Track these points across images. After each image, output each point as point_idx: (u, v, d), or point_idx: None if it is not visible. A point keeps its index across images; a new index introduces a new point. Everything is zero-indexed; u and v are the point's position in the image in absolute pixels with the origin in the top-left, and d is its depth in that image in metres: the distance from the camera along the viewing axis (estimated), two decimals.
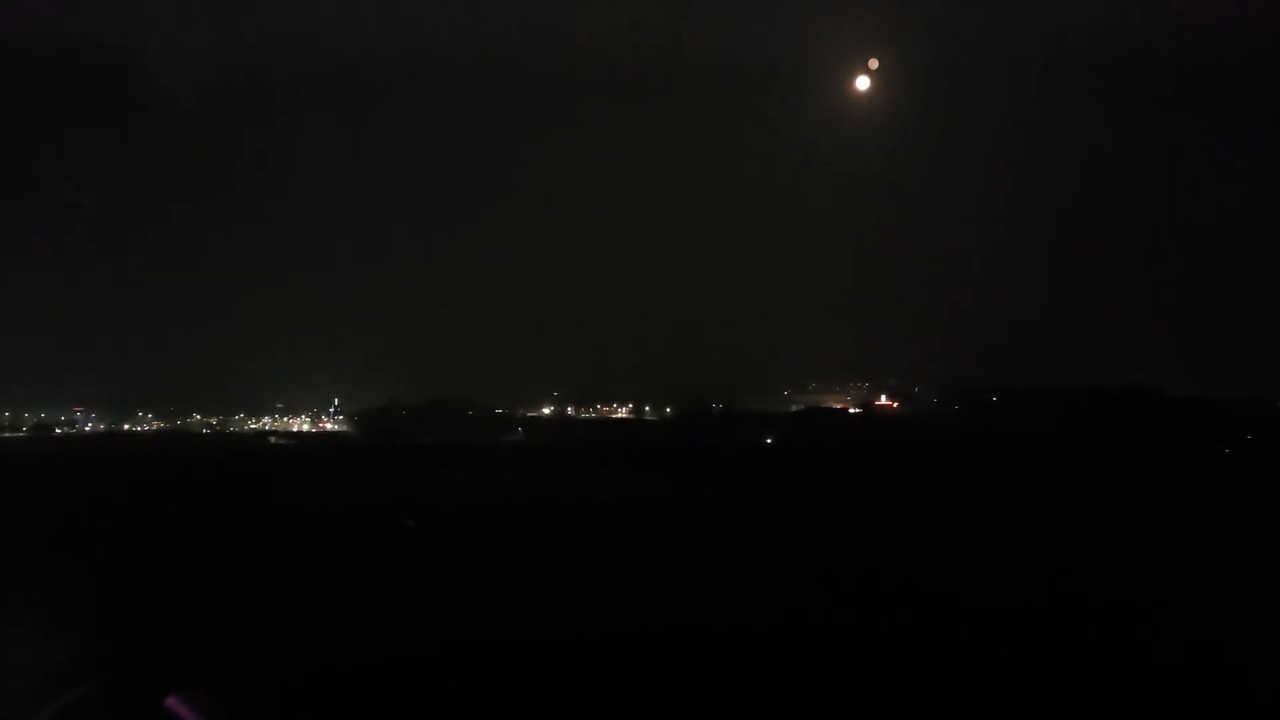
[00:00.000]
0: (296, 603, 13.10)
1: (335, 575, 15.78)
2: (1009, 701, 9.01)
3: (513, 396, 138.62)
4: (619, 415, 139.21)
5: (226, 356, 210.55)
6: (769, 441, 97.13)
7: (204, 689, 3.78)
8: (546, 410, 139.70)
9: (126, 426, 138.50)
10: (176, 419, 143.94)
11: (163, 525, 23.51)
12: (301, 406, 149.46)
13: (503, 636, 11.20)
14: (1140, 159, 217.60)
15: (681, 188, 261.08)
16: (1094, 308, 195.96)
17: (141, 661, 8.18)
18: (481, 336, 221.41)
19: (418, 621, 12.23)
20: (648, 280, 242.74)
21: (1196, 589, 14.42)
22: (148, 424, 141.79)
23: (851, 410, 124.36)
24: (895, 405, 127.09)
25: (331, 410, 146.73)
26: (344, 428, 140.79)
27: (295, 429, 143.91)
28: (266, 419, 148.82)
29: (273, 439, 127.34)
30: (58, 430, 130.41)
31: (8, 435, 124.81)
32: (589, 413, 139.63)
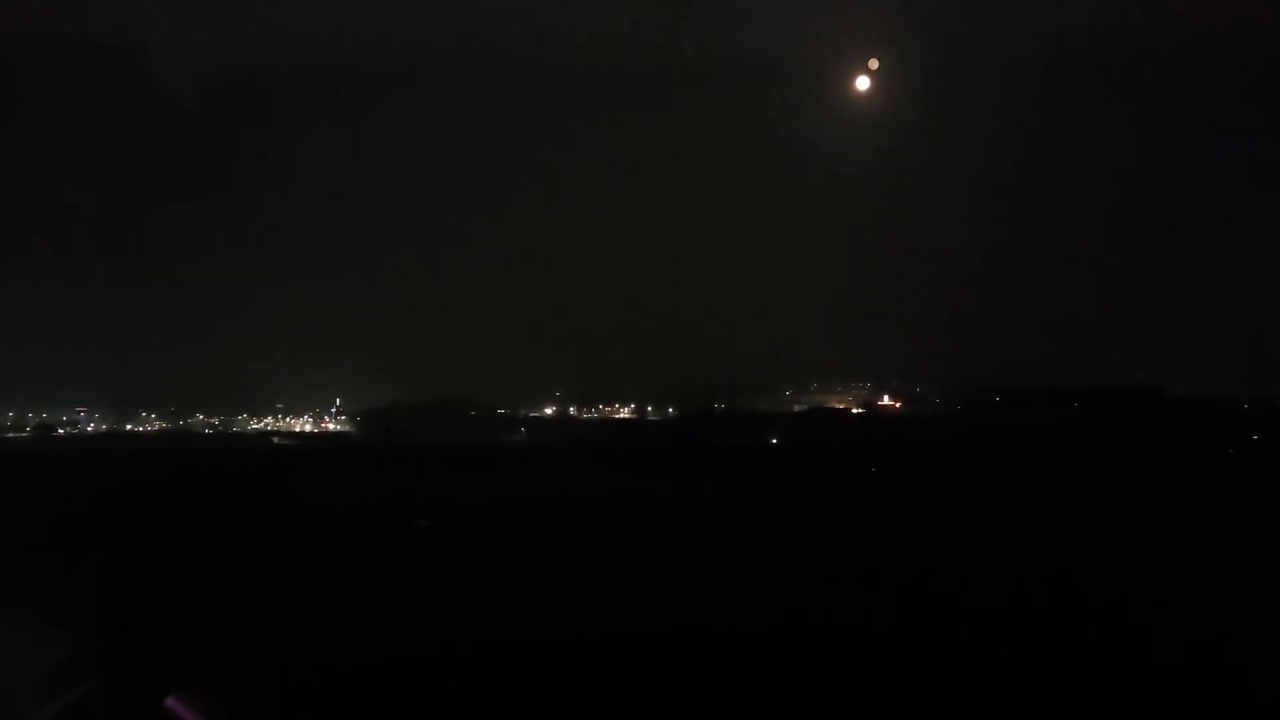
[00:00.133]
0: (297, 603, 13.11)
1: (336, 575, 15.79)
2: (1010, 701, 9.00)
3: (515, 397, 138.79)
4: (621, 415, 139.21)
5: (227, 356, 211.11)
6: (774, 442, 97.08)
7: (204, 689, 3.78)
8: (548, 410, 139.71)
9: (129, 427, 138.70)
10: (178, 419, 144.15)
11: (165, 525, 23.52)
12: (302, 407, 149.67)
13: (504, 637, 11.20)
14: (1140, 159, 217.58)
15: (681, 188, 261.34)
16: (1095, 308, 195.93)
17: (141, 661, 8.18)
18: (482, 337, 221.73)
19: (418, 621, 12.23)
20: (649, 280, 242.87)
21: (1198, 589, 14.40)
22: (150, 424, 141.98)
23: (854, 410, 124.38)
24: (898, 405, 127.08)
25: (333, 410, 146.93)
26: (346, 428, 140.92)
27: (298, 429, 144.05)
28: (268, 419, 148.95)
29: (276, 439, 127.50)
30: (60, 430, 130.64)
31: (11, 435, 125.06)
32: (591, 413, 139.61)
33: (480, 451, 76.24)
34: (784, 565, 17.45)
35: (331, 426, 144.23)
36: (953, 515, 26.79)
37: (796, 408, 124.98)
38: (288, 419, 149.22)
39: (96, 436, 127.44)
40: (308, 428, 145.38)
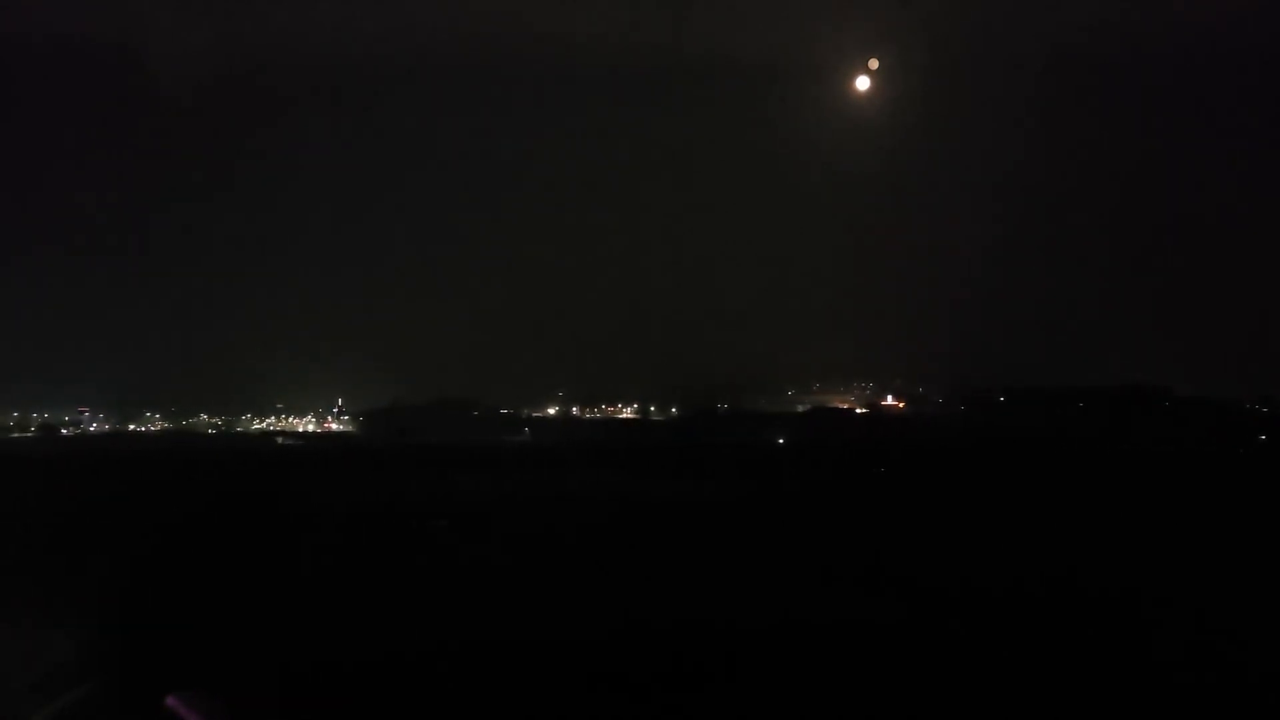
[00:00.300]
0: (299, 602, 13.10)
1: (338, 575, 15.78)
2: (1011, 701, 8.97)
3: (517, 397, 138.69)
4: (624, 415, 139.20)
5: (227, 356, 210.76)
6: (777, 442, 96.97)
7: (204, 689, 3.76)
8: (551, 410, 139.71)
9: (131, 427, 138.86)
10: (181, 419, 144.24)
11: (167, 525, 23.51)
12: (304, 406, 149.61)
13: (504, 637, 11.18)
14: (1140, 159, 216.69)
15: (682, 188, 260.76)
16: (1096, 307, 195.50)
17: (141, 661, 8.16)
18: (484, 337, 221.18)
19: (419, 621, 12.21)
20: (650, 280, 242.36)
21: (1199, 590, 14.37)
22: (153, 424, 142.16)
23: (857, 410, 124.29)
24: (901, 405, 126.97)
25: (335, 410, 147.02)
26: (349, 428, 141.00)
27: (300, 429, 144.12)
28: (271, 419, 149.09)
29: (279, 439, 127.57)
30: (63, 430, 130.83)
31: (14, 436, 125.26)
32: (594, 413, 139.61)
33: (485, 451, 76.27)
34: (786, 565, 17.42)
35: (334, 426, 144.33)
36: (956, 515, 26.75)
37: (799, 408, 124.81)
38: (290, 419, 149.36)
39: (99, 437, 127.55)
40: (311, 427, 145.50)
